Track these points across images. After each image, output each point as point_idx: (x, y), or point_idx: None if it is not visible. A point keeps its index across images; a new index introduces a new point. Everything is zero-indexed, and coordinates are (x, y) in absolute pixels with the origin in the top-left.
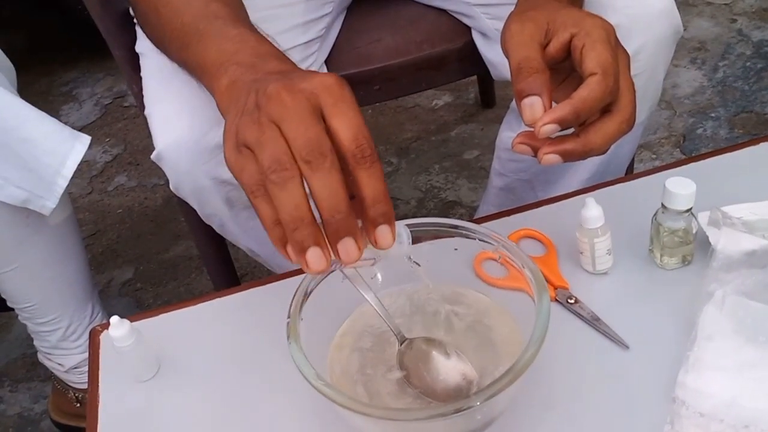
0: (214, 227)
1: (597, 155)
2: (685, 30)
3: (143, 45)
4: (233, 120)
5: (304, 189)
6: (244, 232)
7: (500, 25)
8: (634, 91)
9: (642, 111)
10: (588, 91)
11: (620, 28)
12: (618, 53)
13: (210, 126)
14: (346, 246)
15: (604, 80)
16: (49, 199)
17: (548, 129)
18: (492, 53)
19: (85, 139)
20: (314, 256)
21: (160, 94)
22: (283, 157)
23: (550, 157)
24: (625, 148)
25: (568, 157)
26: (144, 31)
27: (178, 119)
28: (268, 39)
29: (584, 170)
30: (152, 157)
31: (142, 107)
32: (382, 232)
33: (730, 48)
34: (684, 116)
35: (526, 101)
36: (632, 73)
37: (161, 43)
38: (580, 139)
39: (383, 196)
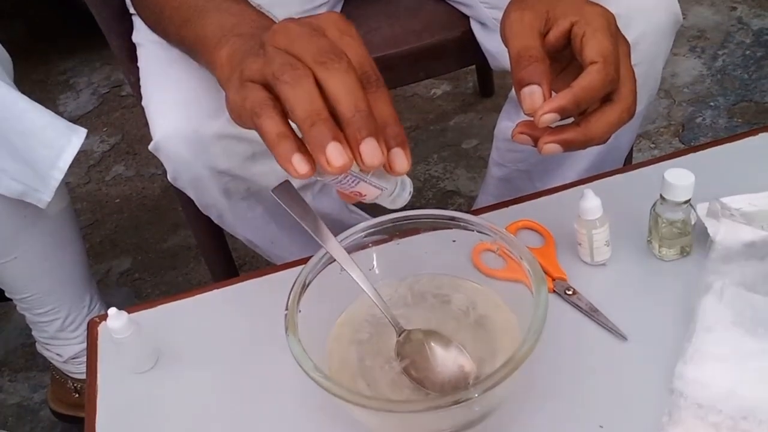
0: (212, 218)
1: (597, 145)
2: (684, 18)
3: (140, 35)
4: (236, 62)
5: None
6: (242, 223)
7: (499, 14)
8: (635, 79)
9: (641, 100)
10: (588, 80)
11: (620, 17)
12: (618, 42)
13: (208, 116)
14: (370, 146)
15: (604, 69)
16: (45, 192)
17: (548, 118)
18: (490, 43)
19: (82, 132)
20: (335, 151)
21: (157, 84)
22: (294, 61)
23: (550, 146)
24: (623, 138)
25: (569, 146)
26: (141, 15)
27: (176, 110)
28: (269, 15)
29: (583, 160)
30: (150, 147)
31: (140, 97)
32: (397, 154)
33: (729, 36)
34: (683, 105)
35: (526, 90)
36: (632, 62)
37: (159, 23)
38: (581, 128)
39: (393, 118)
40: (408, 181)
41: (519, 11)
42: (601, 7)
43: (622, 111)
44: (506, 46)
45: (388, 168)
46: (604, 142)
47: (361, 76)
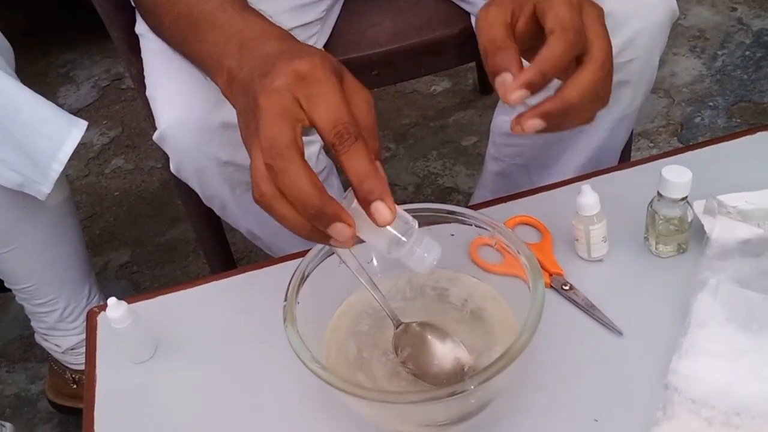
0: (214, 209)
1: (582, 119)
2: (684, 18)
3: (143, 26)
4: (240, 122)
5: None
6: (246, 214)
7: None
8: (607, 38)
9: (638, 95)
10: (549, 49)
11: (616, 13)
12: (584, 7)
13: (212, 106)
14: (336, 229)
15: (563, 35)
16: (44, 184)
17: (518, 95)
18: None
19: (82, 125)
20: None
21: (161, 74)
22: (260, 174)
23: (530, 122)
24: (619, 133)
25: (550, 118)
26: (144, 19)
27: (181, 99)
28: (260, 15)
29: (579, 155)
30: (154, 137)
31: (141, 89)
32: (377, 208)
33: (729, 37)
34: (682, 105)
35: (498, 79)
36: (628, 58)
37: (159, 33)
38: (557, 96)
39: (366, 174)
40: (434, 247)
41: (485, 9)
42: None
43: (594, 70)
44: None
45: (376, 222)
46: (587, 113)
47: (333, 138)
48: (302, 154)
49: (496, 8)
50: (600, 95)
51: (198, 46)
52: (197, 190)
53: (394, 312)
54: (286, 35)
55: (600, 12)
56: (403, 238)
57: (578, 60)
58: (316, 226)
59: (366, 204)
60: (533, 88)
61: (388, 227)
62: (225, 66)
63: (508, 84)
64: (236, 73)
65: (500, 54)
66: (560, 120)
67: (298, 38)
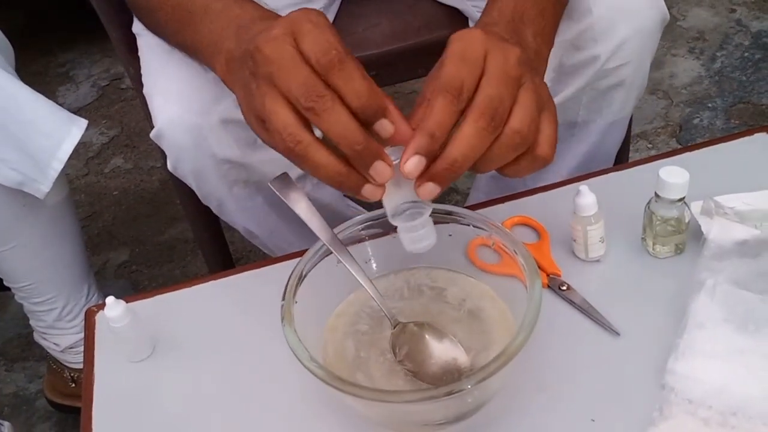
0: (211, 207)
1: (485, 168)
2: (683, 19)
3: (140, 26)
4: (242, 98)
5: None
6: (242, 213)
7: None
8: (502, 84)
9: (629, 100)
10: (428, 110)
11: (605, 18)
12: (489, 55)
13: (209, 103)
14: (377, 168)
15: (439, 93)
16: (44, 182)
17: (412, 164)
18: None
19: (82, 123)
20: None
21: (158, 72)
22: (289, 123)
23: (423, 188)
24: (612, 138)
25: (439, 179)
26: (136, 15)
27: (178, 97)
28: (255, 2)
29: (572, 160)
30: (151, 135)
31: (140, 88)
32: (382, 126)
33: (728, 38)
34: (681, 106)
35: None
36: (618, 63)
37: (154, 28)
38: (441, 155)
39: (366, 92)
40: (432, 237)
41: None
42: (466, 30)
43: (474, 120)
44: None
45: (382, 140)
46: (488, 165)
47: (324, 62)
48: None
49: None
50: (504, 146)
51: (194, 35)
52: (194, 188)
53: (391, 312)
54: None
55: (507, 56)
56: (416, 210)
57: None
58: (357, 166)
59: (370, 124)
60: (425, 151)
61: (407, 193)
62: (223, 49)
63: (401, 163)
64: (235, 54)
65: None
66: (451, 175)
67: None
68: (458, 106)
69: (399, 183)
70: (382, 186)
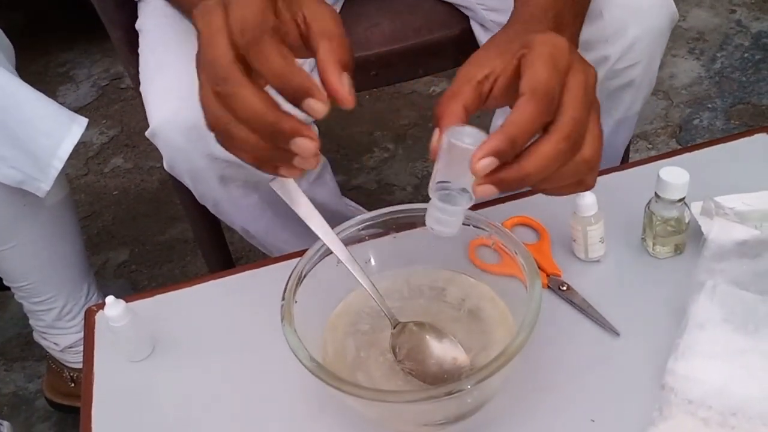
0: (208, 207)
1: (542, 186)
2: (683, 20)
3: (143, 22)
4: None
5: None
6: (238, 212)
7: (497, 16)
8: (584, 108)
9: (638, 99)
10: (517, 114)
11: (618, 19)
12: (572, 70)
13: None
14: (297, 144)
15: (532, 99)
16: (44, 181)
17: (485, 163)
18: None
19: (82, 122)
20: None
21: (155, 71)
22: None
23: (482, 188)
24: (620, 136)
25: (504, 186)
26: None
27: (173, 96)
28: None
29: None
30: (147, 133)
31: (139, 87)
32: (309, 106)
33: (728, 39)
34: (681, 107)
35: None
36: (628, 63)
37: None
38: (514, 164)
39: (282, 75)
40: (456, 227)
41: (464, 64)
42: (554, 34)
43: (557, 141)
44: None
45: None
46: (553, 180)
47: (242, 42)
48: (246, 73)
49: (471, 66)
50: (569, 170)
51: None
52: (190, 187)
53: (391, 312)
54: None
55: (588, 77)
56: (459, 195)
57: (545, 127)
58: (279, 145)
59: (298, 102)
60: (502, 156)
61: (460, 176)
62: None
63: (433, 141)
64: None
65: (440, 107)
66: (515, 185)
67: None
68: (547, 117)
69: (455, 163)
70: (313, 153)
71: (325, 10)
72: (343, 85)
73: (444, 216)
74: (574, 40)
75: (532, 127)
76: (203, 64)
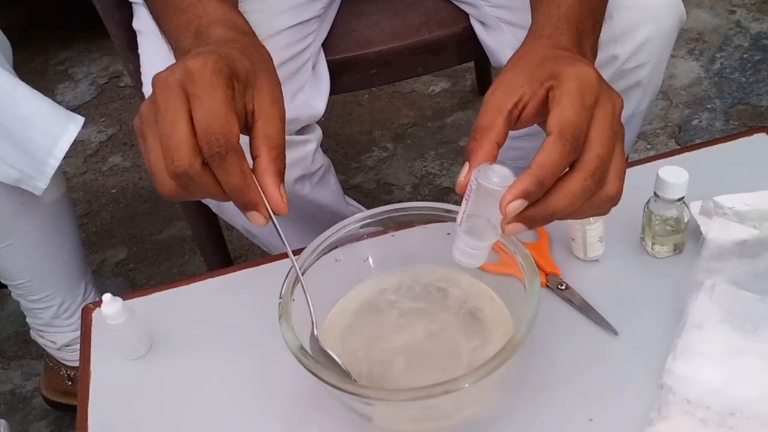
0: (211, 207)
1: (571, 218)
2: None
3: (141, 23)
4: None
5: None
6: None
7: (501, 13)
8: (610, 142)
9: (645, 98)
10: (545, 155)
11: (628, 19)
12: (600, 102)
13: None
14: (251, 216)
15: (559, 141)
16: (41, 179)
17: (514, 206)
18: (491, 39)
19: (79, 120)
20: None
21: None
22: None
23: (511, 227)
24: (627, 132)
25: (532, 223)
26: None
27: None
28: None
29: None
30: None
31: (139, 86)
32: (252, 216)
33: (728, 40)
34: (680, 107)
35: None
36: (637, 63)
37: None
38: (541, 202)
39: (239, 189)
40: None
41: (492, 89)
42: (585, 65)
43: (584, 178)
44: None
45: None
46: (578, 213)
47: (206, 149)
48: (198, 150)
49: (501, 93)
50: (593, 203)
51: (166, 27)
52: None
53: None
54: (240, 25)
55: (615, 107)
56: (486, 230)
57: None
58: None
59: (243, 210)
60: (530, 197)
61: (488, 212)
62: (183, 48)
63: (461, 175)
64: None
65: (474, 143)
66: (543, 221)
67: (296, 36)
68: (573, 156)
69: (483, 201)
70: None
71: (273, 111)
72: (281, 196)
73: (471, 250)
74: (593, 49)
75: (560, 168)
76: (162, 136)
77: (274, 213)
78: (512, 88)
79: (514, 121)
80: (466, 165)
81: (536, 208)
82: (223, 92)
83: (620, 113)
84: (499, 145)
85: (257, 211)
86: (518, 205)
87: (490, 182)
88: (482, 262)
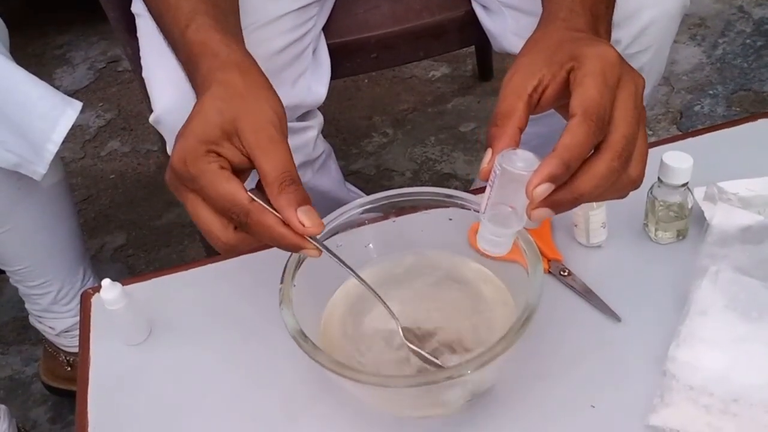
0: None
1: (598, 201)
2: None
3: (139, 6)
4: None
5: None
6: None
7: None
8: (634, 121)
9: (647, 84)
10: (570, 137)
11: (630, 3)
12: (622, 82)
13: None
14: (305, 252)
15: (584, 122)
16: (39, 164)
17: (541, 190)
18: (492, 23)
19: (77, 105)
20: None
21: (158, 58)
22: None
23: (538, 212)
24: None
25: (559, 207)
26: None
27: (177, 83)
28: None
29: None
30: (150, 120)
31: (137, 70)
32: (307, 255)
33: (730, 25)
34: (682, 93)
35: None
36: (639, 48)
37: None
38: (568, 185)
39: (275, 241)
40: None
41: (510, 73)
42: (605, 46)
43: (610, 159)
44: None
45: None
46: (602, 196)
47: (234, 225)
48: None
49: (519, 77)
50: (616, 186)
51: (163, 28)
52: None
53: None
54: (221, 53)
55: (637, 87)
56: (511, 218)
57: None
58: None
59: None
60: (557, 180)
61: (513, 199)
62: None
63: (483, 161)
64: (191, 76)
65: (491, 131)
66: (570, 205)
67: (297, 21)
68: (599, 137)
69: (508, 187)
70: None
71: (262, 144)
72: (307, 223)
73: (496, 238)
74: (608, 32)
75: (586, 149)
76: (197, 224)
77: (311, 237)
78: (531, 72)
79: (534, 106)
80: (489, 151)
81: (563, 192)
82: (215, 170)
83: (642, 93)
84: (521, 130)
85: (304, 249)
86: (545, 188)
87: (515, 167)
88: (508, 250)
